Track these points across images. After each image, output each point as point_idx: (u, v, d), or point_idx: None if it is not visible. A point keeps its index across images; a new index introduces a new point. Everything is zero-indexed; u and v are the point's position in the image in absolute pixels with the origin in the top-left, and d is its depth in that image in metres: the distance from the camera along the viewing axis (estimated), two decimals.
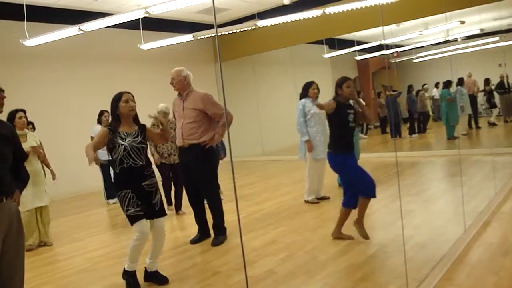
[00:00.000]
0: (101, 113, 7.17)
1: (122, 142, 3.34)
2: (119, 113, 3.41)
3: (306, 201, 5.89)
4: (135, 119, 3.51)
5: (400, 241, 3.81)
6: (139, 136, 3.43)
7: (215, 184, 4.72)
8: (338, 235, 4.21)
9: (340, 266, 3.58)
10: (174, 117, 4.86)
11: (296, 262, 3.74)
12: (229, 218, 4.72)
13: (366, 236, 4.11)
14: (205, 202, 4.73)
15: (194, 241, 4.62)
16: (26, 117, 5.04)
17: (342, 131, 4.07)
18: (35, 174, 4.85)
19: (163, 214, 3.54)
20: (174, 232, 5.32)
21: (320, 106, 4.21)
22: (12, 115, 4.87)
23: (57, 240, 5.39)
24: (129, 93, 3.45)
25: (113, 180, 3.43)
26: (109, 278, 3.84)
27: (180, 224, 5.65)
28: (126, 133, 3.40)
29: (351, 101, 4.14)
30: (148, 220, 3.47)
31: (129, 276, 3.52)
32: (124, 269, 3.54)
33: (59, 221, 6.52)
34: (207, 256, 4.17)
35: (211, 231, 4.66)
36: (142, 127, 3.51)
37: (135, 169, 3.37)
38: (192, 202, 4.71)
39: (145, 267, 3.61)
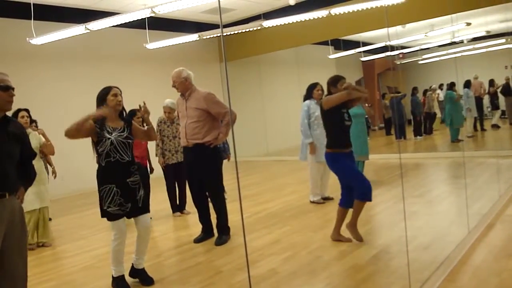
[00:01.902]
0: None
1: (109, 136, 3.36)
2: (105, 107, 3.43)
3: (312, 202, 5.90)
4: (121, 115, 3.53)
5: (403, 242, 3.81)
6: (125, 132, 3.45)
7: (219, 183, 4.70)
8: (337, 237, 4.17)
9: (343, 267, 3.59)
10: (178, 116, 4.86)
11: (299, 262, 3.74)
12: (233, 218, 4.73)
13: (360, 238, 4.07)
14: (209, 201, 4.74)
15: (197, 240, 4.63)
16: (29, 116, 5.03)
17: (338, 130, 4.03)
18: (37, 173, 4.77)
19: (147, 210, 3.55)
20: (178, 231, 5.34)
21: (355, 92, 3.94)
22: (15, 114, 4.84)
23: (61, 238, 5.42)
24: (117, 88, 3.49)
25: (96, 174, 3.43)
26: None
27: (184, 223, 5.67)
28: (112, 127, 3.41)
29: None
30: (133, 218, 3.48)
31: (117, 282, 3.48)
32: (112, 276, 3.51)
33: (63, 219, 6.56)
34: (210, 255, 4.19)
35: (215, 231, 4.67)
36: (128, 123, 3.53)
37: (122, 164, 3.37)
38: (196, 202, 4.72)
39: (132, 263, 3.62)
